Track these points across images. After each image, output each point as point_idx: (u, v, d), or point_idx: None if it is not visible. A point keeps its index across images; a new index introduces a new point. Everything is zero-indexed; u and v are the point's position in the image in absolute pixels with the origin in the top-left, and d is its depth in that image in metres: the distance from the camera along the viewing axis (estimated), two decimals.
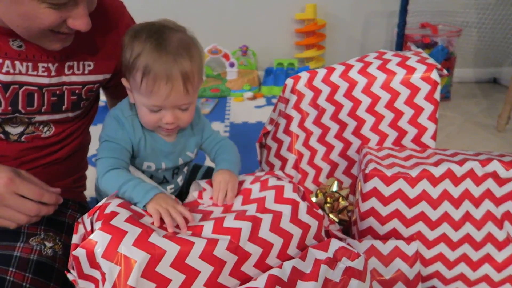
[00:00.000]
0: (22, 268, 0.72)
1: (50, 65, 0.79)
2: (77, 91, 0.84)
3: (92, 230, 0.64)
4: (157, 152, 0.81)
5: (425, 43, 2.14)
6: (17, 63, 0.76)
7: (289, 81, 0.99)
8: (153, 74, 0.71)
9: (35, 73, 0.78)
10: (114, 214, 0.64)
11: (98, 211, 0.65)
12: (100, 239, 0.60)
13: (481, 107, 2.16)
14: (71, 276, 0.67)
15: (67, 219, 0.88)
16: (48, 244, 0.80)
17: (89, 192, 1.05)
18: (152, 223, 0.66)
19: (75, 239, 0.67)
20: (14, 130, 0.82)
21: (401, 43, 2.11)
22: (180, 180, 0.90)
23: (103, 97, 1.03)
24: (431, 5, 2.35)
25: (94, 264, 0.61)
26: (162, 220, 0.67)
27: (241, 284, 0.67)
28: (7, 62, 0.76)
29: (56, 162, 0.88)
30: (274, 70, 2.47)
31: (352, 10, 2.49)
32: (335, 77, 0.96)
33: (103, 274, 0.59)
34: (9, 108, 0.78)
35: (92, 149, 1.06)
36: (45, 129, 0.84)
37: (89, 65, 0.84)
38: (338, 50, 2.54)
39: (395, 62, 0.95)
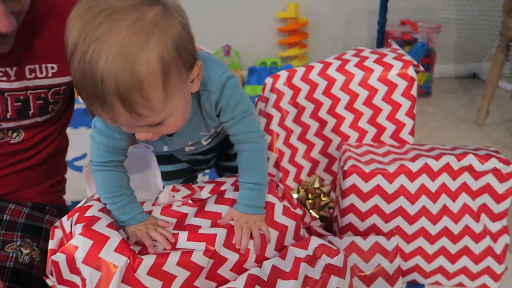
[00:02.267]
0: None
1: (8, 69, 0.77)
2: (42, 95, 0.82)
3: (71, 233, 0.64)
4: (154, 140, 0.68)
5: (405, 40, 2.16)
6: None
7: (269, 80, 0.99)
8: (83, 94, 0.52)
9: None
10: (95, 219, 0.64)
11: (77, 214, 0.64)
12: (81, 244, 0.60)
13: (462, 102, 2.20)
14: (50, 281, 0.66)
15: (44, 225, 0.86)
16: (25, 251, 0.78)
17: (69, 196, 1.04)
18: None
19: (52, 244, 0.67)
20: None
21: (381, 40, 2.12)
22: (205, 140, 0.76)
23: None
24: (411, 2, 2.37)
25: (74, 270, 0.61)
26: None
27: (218, 286, 0.67)
28: None
29: (30, 168, 0.87)
30: (257, 69, 2.47)
31: (333, 8, 2.51)
32: (313, 75, 0.97)
33: (83, 280, 0.59)
34: None
35: (71, 153, 1.05)
36: (14, 134, 0.83)
37: (52, 68, 0.81)
38: (321, 48, 2.55)
39: (372, 59, 0.96)
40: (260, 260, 0.70)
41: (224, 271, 0.67)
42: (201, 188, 0.77)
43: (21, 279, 0.74)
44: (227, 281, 0.68)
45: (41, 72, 0.80)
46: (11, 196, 0.86)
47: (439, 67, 2.48)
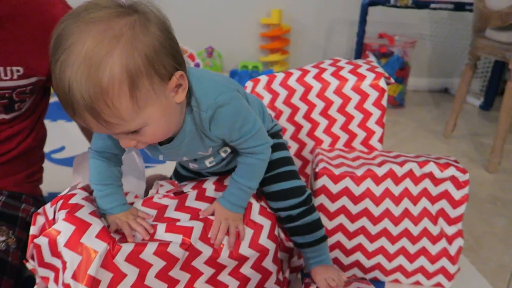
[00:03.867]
0: None
1: None
2: (7, 95, 0.83)
3: (54, 219, 0.66)
4: (150, 146, 0.70)
5: (382, 53, 2.25)
6: None
7: (249, 83, 1.04)
8: (59, 100, 0.55)
9: None
10: (79, 206, 0.67)
11: (62, 201, 0.67)
12: (63, 229, 0.63)
13: (432, 115, 2.30)
14: (30, 265, 0.68)
15: (20, 213, 0.88)
16: (1, 238, 0.80)
17: (47, 188, 1.05)
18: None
19: (33, 230, 0.69)
20: None
21: (360, 51, 2.21)
22: (209, 162, 0.77)
23: None
24: (389, 17, 2.47)
25: (55, 253, 0.63)
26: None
27: (191, 278, 0.70)
28: None
29: (4, 163, 0.88)
30: (239, 72, 2.52)
31: (316, 17, 2.58)
32: (292, 81, 1.01)
33: (64, 263, 0.62)
34: None
35: (49, 146, 1.05)
36: None
37: (18, 70, 0.81)
38: (302, 55, 2.61)
39: (347, 69, 1.02)
40: (233, 256, 0.74)
41: (199, 264, 0.71)
42: (184, 185, 0.80)
43: None
44: (201, 274, 0.72)
45: (5, 75, 0.80)
46: None
47: (414, 81, 2.59)
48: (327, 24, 2.61)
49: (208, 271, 0.72)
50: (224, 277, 0.74)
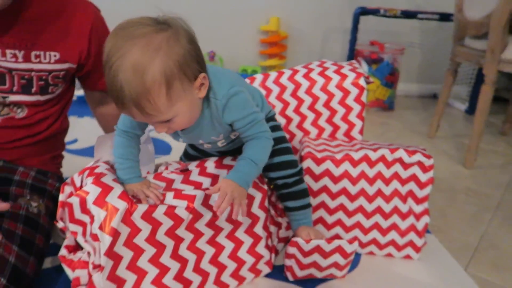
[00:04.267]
0: (15, 220, 0.87)
1: (16, 51, 0.93)
2: (44, 77, 0.97)
3: (81, 186, 0.81)
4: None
5: (373, 59, 2.40)
6: None
7: (246, 81, 1.18)
8: (111, 96, 0.69)
9: (4, 58, 0.93)
10: (103, 174, 0.81)
11: (88, 170, 0.82)
12: (92, 190, 0.77)
13: (420, 117, 2.44)
14: (60, 225, 0.83)
15: (47, 187, 1.02)
16: (34, 204, 0.94)
17: (65, 173, 1.18)
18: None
19: (61, 197, 0.83)
20: None
21: (352, 57, 2.36)
22: (221, 143, 0.90)
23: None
24: (380, 26, 2.63)
25: (84, 210, 0.77)
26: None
27: (194, 238, 0.83)
28: None
29: (34, 144, 1.03)
30: None
31: (312, 25, 2.73)
32: (284, 79, 1.16)
33: (92, 217, 0.76)
34: None
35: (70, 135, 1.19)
36: (19, 110, 0.98)
37: (55, 55, 0.97)
38: (298, 60, 2.75)
39: (332, 69, 1.16)
40: (229, 220, 0.87)
41: (200, 225, 0.85)
42: (188, 164, 0.95)
43: (31, 224, 0.89)
44: (202, 234, 0.86)
45: (45, 58, 0.96)
46: (17, 162, 1.02)
47: (404, 86, 2.74)
48: (322, 32, 2.76)
49: (208, 233, 0.86)
50: (221, 239, 0.88)
